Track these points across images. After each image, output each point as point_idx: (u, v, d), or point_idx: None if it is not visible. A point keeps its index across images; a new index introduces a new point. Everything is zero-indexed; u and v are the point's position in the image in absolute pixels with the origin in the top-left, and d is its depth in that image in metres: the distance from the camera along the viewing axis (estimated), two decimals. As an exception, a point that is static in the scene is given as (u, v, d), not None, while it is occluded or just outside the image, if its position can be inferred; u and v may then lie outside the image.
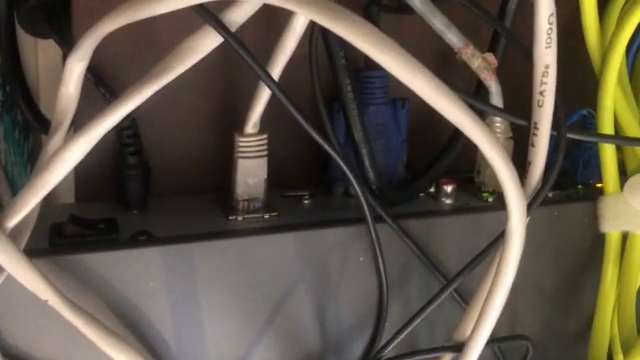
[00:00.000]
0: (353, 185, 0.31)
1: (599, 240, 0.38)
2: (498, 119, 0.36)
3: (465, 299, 0.34)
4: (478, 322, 0.28)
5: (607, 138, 0.35)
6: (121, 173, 0.32)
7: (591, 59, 0.36)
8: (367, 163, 0.33)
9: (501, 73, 0.34)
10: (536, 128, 0.28)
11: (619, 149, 0.37)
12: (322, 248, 0.32)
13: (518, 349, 0.34)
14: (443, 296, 0.31)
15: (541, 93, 0.28)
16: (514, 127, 0.37)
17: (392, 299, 0.33)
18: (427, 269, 0.34)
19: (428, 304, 0.31)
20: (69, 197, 0.35)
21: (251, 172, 0.32)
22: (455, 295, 0.34)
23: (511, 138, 0.37)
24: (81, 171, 0.34)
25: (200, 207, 0.34)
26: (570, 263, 0.39)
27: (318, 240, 0.32)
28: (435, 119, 0.42)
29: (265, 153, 0.33)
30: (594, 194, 0.39)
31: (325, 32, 0.31)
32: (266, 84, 0.27)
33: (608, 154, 0.36)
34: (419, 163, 0.38)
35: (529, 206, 0.27)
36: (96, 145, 0.34)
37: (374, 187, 0.34)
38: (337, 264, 0.32)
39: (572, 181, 0.41)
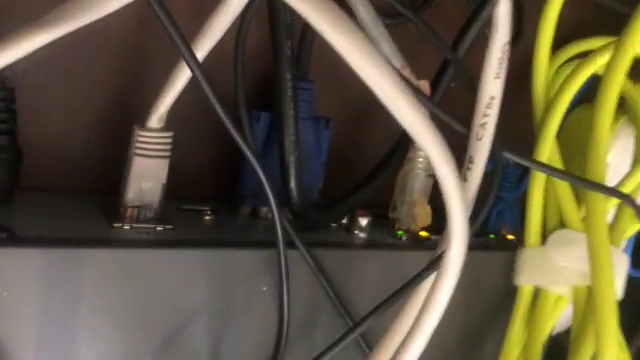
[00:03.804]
0: (268, 201, 0.27)
1: (509, 292, 0.37)
2: (422, 153, 0.34)
3: (370, 344, 0.31)
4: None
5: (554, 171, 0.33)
6: (-15, 156, 0.26)
7: (534, 106, 0.35)
8: (293, 175, 0.29)
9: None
10: (471, 162, 0.26)
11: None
12: (222, 271, 0.28)
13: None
14: (348, 340, 0.27)
15: (482, 126, 0.26)
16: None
17: (294, 338, 0.29)
18: (336, 308, 0.30)
19: (331, 347, 0.27)
20: None
21: (148, 174, 0.28)
22: (360, 340, 0.31)
23: (432, 176, 0.35)
24: None
25: (78, 209, 0.28)
26: (476, 314, 0.37)
27: (218, 261, 0.27)
28: (360, 145, 0.40)
29: (168, 154, 0.28)
30: (507, 244, 0.38)
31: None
32: (187, 63, 0.22)
33: (535, 205, 0.35)
34: (335, 192, 0.35)
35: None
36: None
37: (295, 206, 0.30)
38: (238, 291, 0.28)
39: (484, 229, 0.39)
